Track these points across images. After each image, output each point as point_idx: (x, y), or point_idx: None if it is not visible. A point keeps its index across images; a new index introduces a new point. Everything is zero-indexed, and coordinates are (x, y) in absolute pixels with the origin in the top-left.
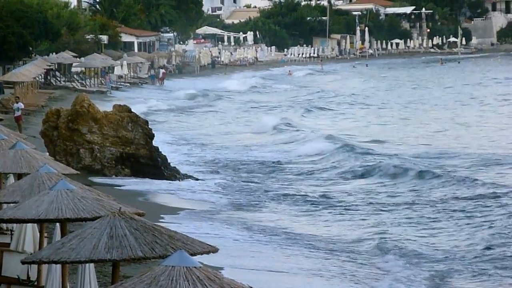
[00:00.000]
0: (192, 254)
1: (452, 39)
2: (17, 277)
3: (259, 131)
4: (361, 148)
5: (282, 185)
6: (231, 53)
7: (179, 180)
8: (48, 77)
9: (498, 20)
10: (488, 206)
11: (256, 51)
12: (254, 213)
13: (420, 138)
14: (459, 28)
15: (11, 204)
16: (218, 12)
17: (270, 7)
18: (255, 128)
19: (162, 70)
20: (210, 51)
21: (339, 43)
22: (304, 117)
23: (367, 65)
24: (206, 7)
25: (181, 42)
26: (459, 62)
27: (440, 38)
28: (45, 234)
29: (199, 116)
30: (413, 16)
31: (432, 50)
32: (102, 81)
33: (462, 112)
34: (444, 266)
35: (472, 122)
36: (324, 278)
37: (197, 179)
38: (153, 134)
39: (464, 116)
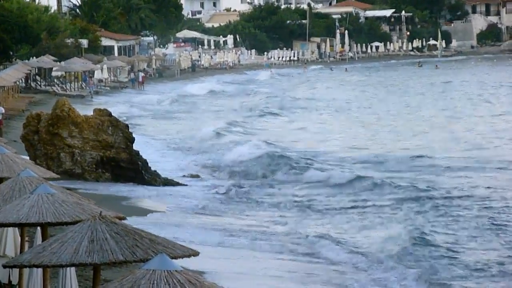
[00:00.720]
0: (173, 258)
1: (432, 41)
2: None
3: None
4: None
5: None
6: (211, 56)
7: (159, 185)
8: (29, 81)
9: (478, 22)
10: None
11: (237, 54)
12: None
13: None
14: (438, 31)
15: None
16: (198, 16)
17: (250, 10)
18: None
19: (141, 74)
20: (190, 55)
21: (319, 46)
22: (252, 121)
23: (346, 69)
24: (186, 11)
25: (161, 46)
26: (437, 66)
27: (420, 41)
28: (26, 238)
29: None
30: (392, 19)
31: (412, 53)
32: (83, 85)
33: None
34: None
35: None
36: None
37: (177, 184)
38: (134, 138)
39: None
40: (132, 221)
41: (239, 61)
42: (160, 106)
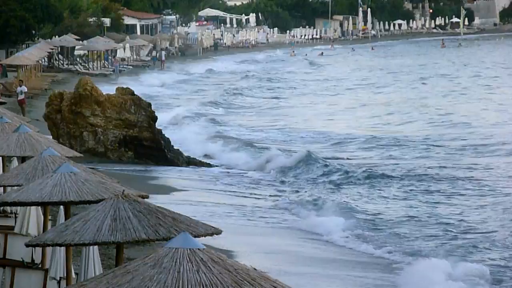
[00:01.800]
0: (196, 236)
1: (454, 19)
2: (21, 259)
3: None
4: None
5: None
6: (233, 35)
7: (182, 165)
8: (51, 60)
9: (501, 0)
10: None
11: (267, 33)
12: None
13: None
14: (461, 9)
15: (15, 187)
16: None
17: None
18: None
19: (163, 53)
20: (213, 34)
21: (341, 24)
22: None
23: (372, 48)
24: None
25: (184, 25)
26: (460, 45)
27: (442, 18)
28: (49, 217)
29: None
30: None
31: (434, 30)
32: (106, 64)
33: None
34: None
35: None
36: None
37: (200, 163)
38: (156, 117)
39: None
40: (155, 200)
41: (267, 40)
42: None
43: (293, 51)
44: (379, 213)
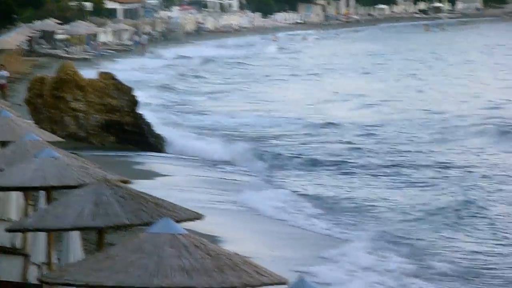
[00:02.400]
0: (178, 221)
1: (437, 3)
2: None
3: None
4: None
5: None
6: (216, 19)
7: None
8: (32, 45)
9: None
10: None
11: (253, 18)
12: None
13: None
14: None
15: None
16: None
17: None
18: None
19: (145, 37)
20: (196, 18)
21: (324, 9)
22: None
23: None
24: None
25: (166, 9)
26: (443, 29)
27: (425, 3)
28: (30, 202)
29: None
30: None
31: (417, 15)
32: (87, 49)
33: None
34: None
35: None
36: None
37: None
38: (138, 101)
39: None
40: (137, 185)
41: (253, 24)
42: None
43: (275, 35)
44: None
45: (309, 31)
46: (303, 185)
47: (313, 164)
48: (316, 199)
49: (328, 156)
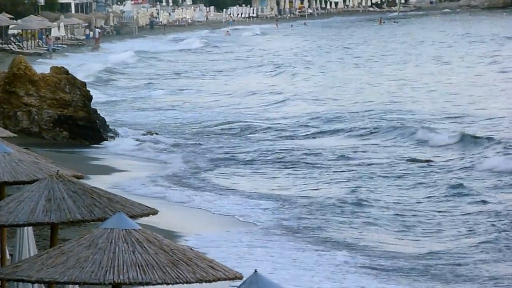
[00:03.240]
0: (132, 217)
1: None
2: None
3: None
4: None
5: None
6: (169, 13)
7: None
8: None
9: None
10: None
11: (207, 12)
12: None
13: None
14: None
15: None
16: None
17: None
18: None
19: (98, 30)
20: (149, 12)
21: (278, 3)
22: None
23: (305, 23)
24: None
25: (119, 3)
26: (396, 22)
27: None
28: None
29: None
30: None
31: (371, 9)
32: (40, 43)
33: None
34: None
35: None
36: None
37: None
38: (91, 96)
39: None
40: (90, 180)
41: (207, 18)
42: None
43: (227, 31)
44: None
45: (267, 25)
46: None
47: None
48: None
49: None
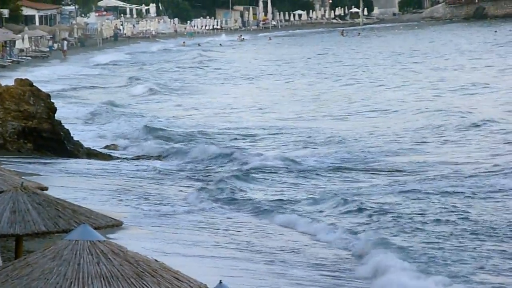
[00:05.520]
0: (96, 228)
1: (354, 9)
2: None
3: None
4: None
5: None
6: (133, 25)
7: (82, 157)
8: None
9: None
10: None
11: (174, 24)
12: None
13: None
14: None
15: None
16: None
17: None
18: None
19: (65, 42)
20: (114, 24)
21: (242, 15)
22: None
23: (270, 38)
24: None
25: (83, 15)
26: (359, 34)
27: (342, 8)
28: None
29: None
30: None
31: (334, 21)
32: (2, 55)
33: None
34: None
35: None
36: None
37: (100, 154)
38: (56, 108)
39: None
40: (55, 192)
41: (176, 31)
42: None
43: (184, 42)
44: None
45: (231, 38)
46: None
47: None
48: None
49: None
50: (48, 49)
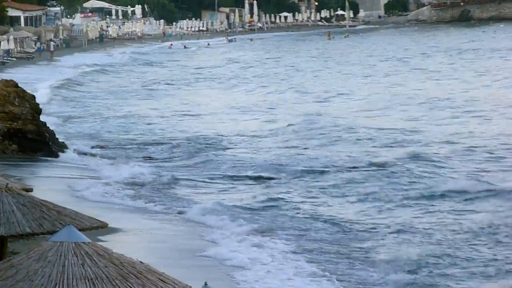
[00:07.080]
0: (81, 230)
1: (339, 11)
2: None
3: None
4: None
5: None
6: (119, 27)
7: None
8: None
9: None
10: None
11: (161, 26)
12: None
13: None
14: (346, 1)
15: None
16: None
17: None
18: None
19: (52, 43)
20: (99, 25)
21: (228, 17)
22: None
23: (251, 40)
24: None
25: (68, 16)
26: (346, 37)
27: (328, 11)
28: None
29: None
30: None
31: (320, 23)
32: None
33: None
34: None
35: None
36: None
37: (85, 154)
38: (41, 109)
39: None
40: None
41: (164, 34)
42: None
43: (171, 44)
44: None
45: (219, 39)
46: None
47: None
48: None
49: None
50: (34, 50)
